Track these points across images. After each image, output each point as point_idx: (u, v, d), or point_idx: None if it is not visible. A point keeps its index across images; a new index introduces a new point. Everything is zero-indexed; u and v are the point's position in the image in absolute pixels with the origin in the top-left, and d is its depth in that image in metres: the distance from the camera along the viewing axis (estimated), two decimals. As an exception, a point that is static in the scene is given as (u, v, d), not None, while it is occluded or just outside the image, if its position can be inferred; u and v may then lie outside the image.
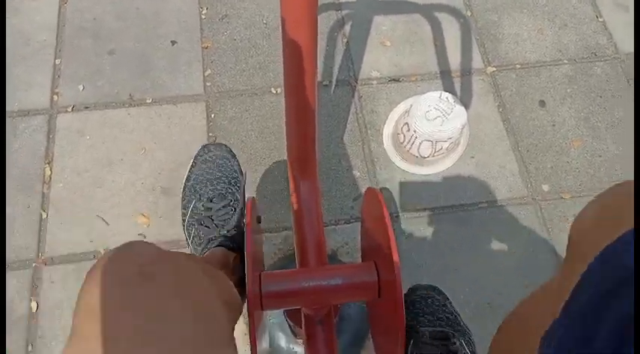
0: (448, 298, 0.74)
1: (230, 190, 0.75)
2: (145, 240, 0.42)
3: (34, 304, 0.93)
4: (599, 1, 1.32)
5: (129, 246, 0.42)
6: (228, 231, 0.70)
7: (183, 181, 0.78)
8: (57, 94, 1.15)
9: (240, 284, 0.64)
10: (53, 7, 1.25)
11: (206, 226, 0.71)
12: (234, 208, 0.73)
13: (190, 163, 0.79)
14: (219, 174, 0.76)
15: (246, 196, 0.76)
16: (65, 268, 0.96)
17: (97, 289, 0.36)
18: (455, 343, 0.64)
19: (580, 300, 0.34)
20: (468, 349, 0.65)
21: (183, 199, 0.77)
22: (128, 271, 0.38)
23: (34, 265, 0.97)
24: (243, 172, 0.79)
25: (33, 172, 1.05)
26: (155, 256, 0.42)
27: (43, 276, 0.96)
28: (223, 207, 0.73)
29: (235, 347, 0.45)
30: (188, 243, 0.74)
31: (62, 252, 0.98)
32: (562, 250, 1.03)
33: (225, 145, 0.80)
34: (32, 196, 1.03)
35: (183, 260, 0.45)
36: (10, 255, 0.97)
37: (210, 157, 0.78)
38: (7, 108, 1.12)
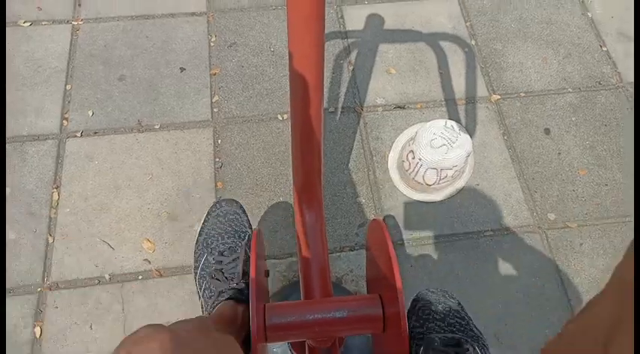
0: (460, 303, 0.71)
1: (239, 244, 0.79)
2: (159, 324, 0.42)
3: (37, 330, 0.93)
4: (603, 30, 1.34)
5: (147, 342, 0.42)
6: (237, 283, 0.73)
7: (196, 235, 0.82)
8: (67, 119, 1.16)
9: (249, 337, 0.65)
10: (65, 35, 1.28)
11: (217, 279, 0.74)
12: (243, 262, 0.76)
13: (203, 218, 0.83)
14: (230, 228, 0.80)
15: (252, 226, 0.79)
16: (70, 294, 0.96)
17: None
18: (468, 350, 0.61)
19: None
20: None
21: (195, 252, 0.81)
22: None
23: (39, 289, 0.97)
24: (254, 228, 0.83)
25: (41, 196, 1.06)
26: (166, 346, 0.42)
27: (48, 301, 0.96)
28: (233, 260, 0.76)
29: None
30: (199, 295, 0.77)
31: (67, 277, 0.98)
32: (568, 279, 1.02)
33: (237, 201, 0.84)
34: (39, 220, 1.04)
35: (200, 344, 0.46)
36: (16, 279, 0.97)
37: (221, 212, 0.82)
38: (17, 133, 1.14)
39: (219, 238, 0.79)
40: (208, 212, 0.83)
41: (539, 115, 1.21)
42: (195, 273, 0.78)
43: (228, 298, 0.72)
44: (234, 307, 0.71)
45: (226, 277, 0.74)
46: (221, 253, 0.77)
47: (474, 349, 0.62)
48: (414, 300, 0.71)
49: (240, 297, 0.72)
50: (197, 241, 0.81)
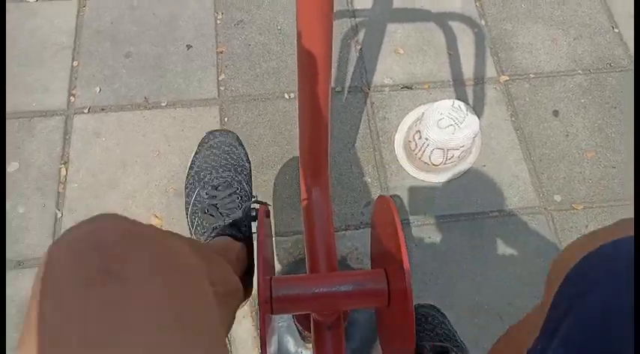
0: (446, 317, 0.75)
1: (237, 179, 0.71)
2: (114, 213, 0.34)
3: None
4: (615, 11, 1.32)
5: (91, 226, 0.32)
6: (234, 220, 0.67)
7: (187, 168, 0.74)
8: (74, 95, 1.17)
9: (248, 273, 0.63)
10: (72, 11, 1.28)
11: (210, 215, 0.67)
12: (241, 197, 0.69)
13: (195, 150, 0.74)
14: (225, 161, 0.72)
15: (258, 197, 0.75)
16: (78, 268, 0.98)
17: (47, 293, 0.29)
18: None
19: (555, 314, 0.35)
20: None
21: (186, 187, 0.72)
22: (88, 267, 0.29)
23: (48, 263, 0.98)
24: (250, 161, 0.76)
25: (49, 172, 1.07)
26: (127, 240, 0.32)
27: (57, 275, 0.97)
28: (229, 195, 0.69)
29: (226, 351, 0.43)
30: (191, 232, 0.70)
31: (76, 251, 0.99)
32: (573, 262, 1.02)
33: (232, 132, 0.76)
34: (48, 195, 1.04)
35: (166, 240, 0.35)
36: (25, 252, 0.99)
37: (215, 143, 0.73)
38: (25, 108, 1.14)
39: (214, 171, 0.71)
40: (200, 143, 0.74)
41: (548, 97, 1.20)
42: (187, 209, 0.71)
43: (222, 234, 0.66)
44: (229, 241, 0.66)
45: (221, 213, 0.67)
46: (215, 188, 0.69)
47: None
48: None
49: (237, 233, 0.67)
50: (187, 174, 0.73)
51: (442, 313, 0.75)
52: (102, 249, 0.30)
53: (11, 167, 1.07)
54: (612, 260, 0.32)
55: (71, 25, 1.26)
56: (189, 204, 0.71)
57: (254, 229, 0.67)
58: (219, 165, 0.72)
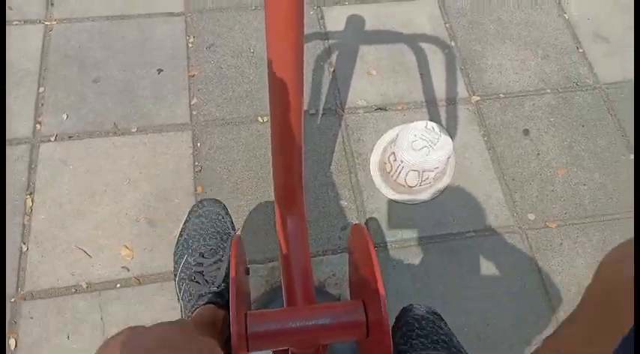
0: (443, 319, 0.71)
1: (221, 246, 0.76)
2: (141, 326, 0.43)
3: (12, 342, 0.90)
4: (579, 32, 1.36)
5: (131, 341, 0.41)
6: (217, 287, 0.71)
7: (177, 236, 0.79)
8: (40, 123, 1.13)
9: (229, 341, 0.63)
10: (37, 35, 1.25)
11: (196, 282, 0.71)
12: (227, 264, 0.73)
13: (185, 218, 0.80)
14: (212, 230, 0.77)
15: (236, 227, 0.78)
16: (46, 303, 0.94)
17: None
18: None
19: None
20: None
21: (175, 253, 0.77)
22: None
23: (12, 300, 0.94)
24: (236, 229, 0.81)
25: (14, 203, 1.03)
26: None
27: (22, 312, 0.93)
28: (214, 263, 0.73)
29: None
30: (178, 298, 0.74)
31: (43, 286, 0.95)
32: (549, 278, 1.03)
33: (220, 201, 0.81)
34: (12, 228, 1.00)
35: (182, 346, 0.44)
36: (-12, 290, 0.94)
37: (204, 212, 0.79)
38: (-11, 137, 1.10)
39: (201, 239, 0.76)
40: (190, 212, 0.80)
41: (519, 116, 1.22)
42: (175, 275, 0.76)
43: (207, 302, 0.69)
44: (214, 311, 0.69)
45: (207, 280, 0.71)
46: (202, 255, 0.74)
47: None
48: (398, 316, 0.72)
49: (221, 301, 0.70)
50: (177, 241, 0.79)
51: (438, 315, 0.72)
52: None
53: (-27, 199, 1.03)
54: None
55: (37, 49, 1.23)
56: (178, 270, 0.75)
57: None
58: (206, 233, 0.76)
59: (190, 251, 0.75)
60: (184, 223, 0.79)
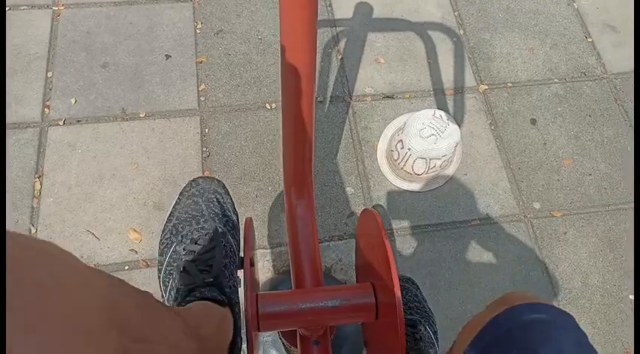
0: (419, 288, 0.77)
1: (221, 230, 0.60)
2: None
3: (21, 322, 0.91)
4: (588, 21, 1.35)
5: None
6: (215, 279, 0.56)
7: (164, 221, 0.62)
8: (48, 107, 1.13)
9: (232, 347, 0.54)
10: (46, 20, 1.25)
11: (187, 273, 0.56)
12: (225, 252, 0.59)
13: (174, 200, 0.63)
14: (208, 211, 0.61)
15: (240, 215, 0.67)
16: (54, 285, 0.95)
17: None
18: (420, 330, 0.68)
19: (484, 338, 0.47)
20: (431, 330, 0.70)
21: (161, 243, 0.61)
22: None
23: (22, 281, 0.95)
24: (245, 216, 0.68)
25: (22, 186, 1.04)
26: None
27: (32, 293, 0.94)
28: (209, 250, 0.58)
29: None
30: (164, 299, 0.58)
31: (52, 268, 0.96)
32: (553, 267, 1.04)
33: (218, 180, 0.65)
34: (21, 210, 1.01)
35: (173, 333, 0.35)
36: (-2, 271, 0.95)
37: (198, 190, 0.63)
38: (-3, 121, 1.11)
39: (194, 222, 0.60)
40: (181, 192, 0.63)
41: (526, 106, 1.22)
42: (159, 270, 0.59)
43: (201, 298, 0.54)
44: (209, 308, 0.53)
45: (200, 270, 0.56)
46: (194, 241, 0.58)
47: (425, 327, 0.69)
48: None
49: (219, 296, 0.55)
50: (163, 229, 0.62)
51: (415, 285, 0.76)
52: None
53: (-18, 182, 1.03)
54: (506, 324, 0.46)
55: (45, 34, 1.23)
56: (163, 264, 0.59)
57: (241, 294, 0.57)
58: (200, 215, 0.61)
59: (180, 238, 0.59)
60: (174, 206, 0.63)
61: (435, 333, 0.71)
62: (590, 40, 1.33)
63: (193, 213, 0.61)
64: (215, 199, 0.63)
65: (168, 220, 0.62)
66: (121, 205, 1.03)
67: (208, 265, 0.57)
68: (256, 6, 1.31)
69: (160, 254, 0.60)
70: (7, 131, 1.10)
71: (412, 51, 1.27)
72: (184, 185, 0.64)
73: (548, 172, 1.14)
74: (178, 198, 0.63)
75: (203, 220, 0.60)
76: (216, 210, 0.62)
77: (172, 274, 0.57)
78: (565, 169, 1.15)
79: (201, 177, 0.65)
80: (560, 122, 1.20)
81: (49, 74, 1.17)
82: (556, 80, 1.26)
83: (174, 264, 0.57)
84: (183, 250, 0.58)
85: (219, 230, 0.60)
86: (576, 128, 1.20)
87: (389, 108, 1.19)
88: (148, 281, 0.96)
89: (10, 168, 1.05)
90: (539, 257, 1.05)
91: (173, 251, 0.58)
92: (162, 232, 0.61)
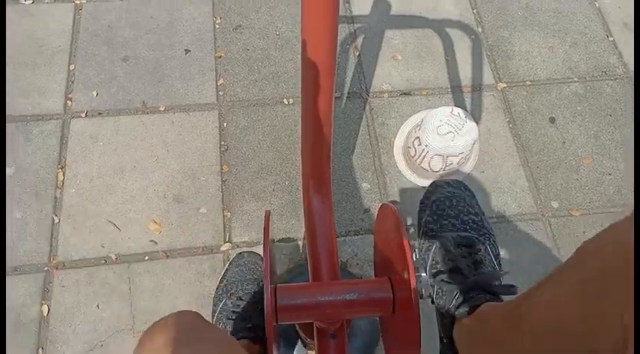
0: (474, 196, 0.66)
1: (258, 291, 0.82)
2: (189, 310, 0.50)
3: (45, 308, 0.93)
4: (610, 20, 1.34)
5: (180, 314, 0.47)
6: (253, 324, 0.76)
7: (217, 282, 0.86)
8: (70, 99, 1.16)
9: None
10: (68, 14, 1.27)
11: (232, 320, 0.78)
12: (261, 307, 0.77)
13: (225, 267, 0.88)
14: (250, 277, 0.84)
15: (258, 208, 0.80)
16: (77, 273, 0.97)
17: (152, 345, 0.42)
18: (480, 250, 0.59)
19: None
20: (492, 252, 0.60)
21: (215, 297, 0.84)
22: (181, 332, 0.43)
23: (45, 269, 0.97)
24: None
25: (46, 176, 1.06)
26: (204, 325, 0.48)
27: (55, 280, 0.96)
28: (252, 304, 0.79)
29: None
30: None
31: (74, 257, 0.99)
32: (570, 268, 1.03)
33: (258, 253, 0.88)
34: (45, 200, 1.03)
35: (226, 335, 0.51)
36: (22, 258, 0.98)
37: (243, 262, 0.86)
38: (21, 112, 1.13)
39: (240, 284, 0.83)
40: (230, 262, 0.88)
41: (545, 104, 1.21)
42: (213, 316, 0.82)
43: (241, 337, 0.74)
44: (248, 346, 0.74)
45: (244, 318, 0.77)
46: (240, 298, 0.81)
47: (486, 248, 0.59)
48: (428, 191, 0.68)
49: (255, 336, 0.75)
50: (217, 287, 0.85)
51: (470, 192, 0.66)
52: (188, 326, 0.45)
53: (7, 172, 1.06)
54: None
55: (67, 28, 1.25)
56: (216, 312, 0.82)
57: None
58: (244, 279, 0.83)
59: (229, 294, 0.82)
60: (224, 272, 0.86)
61: (497, 256, 0.61)
62: (611, 39, 1.31)
63: (239, 278, 0.83)
64: (255, 269, 0.85)
65: (220, 281, 0.85)
66: (142, 197, 1.05)
67: (248, 315, 0.78)
68: (274, 2, 1.32)
69: (214, 305, 0.83)
70: (31, 123, 1.12)
71: (430, 48, 1.27)
72: (233, 257, 0.88)
73: (567, 171, 1.13)
74: (228, 266, 0.87)
75: (246, 283, 0.83)
76: (256, 276, 0.84)
77: (222, 319, 0.79)
78: (584, 169, 1.14)
79: (245, 251, 0.88)
80: (579, 121, 1.19)
81: (72, 67, 1.20)
82: (576, 79, 1.25)
83: (224, 313, 0.79)
84: (231, 304, 0.80)
85: (258, 291, 0.82)
86: (596, 127, 1.19)
87: (406, 105, 1.19)
88: (167, 272, 0.98)
89: (34, 159, 1.08)
90: (557, 256, 1.04)
91: (224, 304, 0.80)
92: (216, 290, 0.85)
